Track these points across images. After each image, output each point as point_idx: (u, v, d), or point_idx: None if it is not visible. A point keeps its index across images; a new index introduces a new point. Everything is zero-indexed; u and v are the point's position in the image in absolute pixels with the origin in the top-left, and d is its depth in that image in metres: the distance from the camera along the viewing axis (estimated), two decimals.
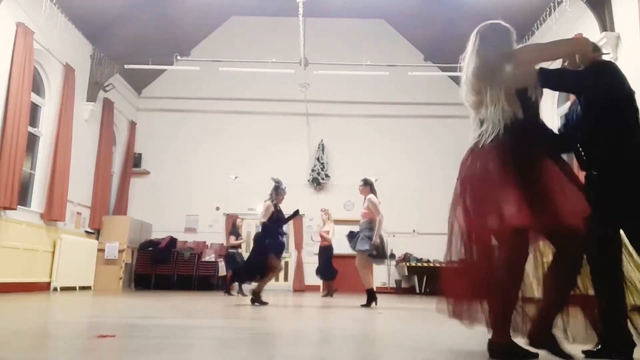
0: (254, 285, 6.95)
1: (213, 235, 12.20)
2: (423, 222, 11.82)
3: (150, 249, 11.10)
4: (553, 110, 9.18)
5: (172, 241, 11.29)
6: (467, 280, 2.34)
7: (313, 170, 12.70)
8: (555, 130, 2.62)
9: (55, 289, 8.53)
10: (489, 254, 2.28)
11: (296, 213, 6.78)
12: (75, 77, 9.55)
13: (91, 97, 10.32)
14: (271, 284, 7.93)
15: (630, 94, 2.43)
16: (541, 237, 2.32)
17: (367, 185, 6.82)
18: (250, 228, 12.04)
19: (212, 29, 13.21)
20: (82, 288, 9.40)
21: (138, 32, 10.80)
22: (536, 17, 9.16)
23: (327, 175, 12.69)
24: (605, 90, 2.42)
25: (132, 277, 10.96)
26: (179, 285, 10.80)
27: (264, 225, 6.49)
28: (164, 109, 12.96)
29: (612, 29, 7.27)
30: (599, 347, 2.31)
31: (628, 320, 2.33)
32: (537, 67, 2.41)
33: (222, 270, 10.55)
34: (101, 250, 10.18)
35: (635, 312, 2.38)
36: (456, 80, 10.43)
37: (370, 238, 6.43)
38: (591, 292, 2.35)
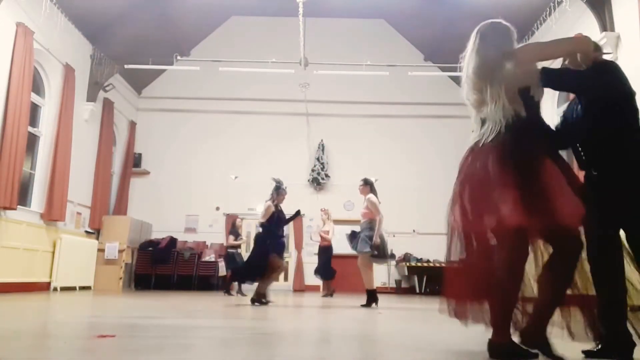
0: (255, 285, 6.94)
1: (213, 235, 12.20)
2: (423, 222, 11.82)
3: (150, 249, 11.10)
4: (553, 109, 9.16)
5: (172, 241, 11.29)
6: (467, 280, 2.35)
7: (313, 170, 12.70)
8: (553, 128, 2.62)
9: (55, 289, 8.53)
10: (488, 254, 2.28)
11: (298, 213, 6.77)
12: (75, 77, 9.55)
13: (91, 97, 10.32)
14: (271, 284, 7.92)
15: (630, 94, 2.43)
16: (539, 237, 2.31)
17: (367, 185, 6.82)
18: (250, 228, 12.04)
19: (212, 29, 13.21)
20: (82, 288, 9.39)
21: (138, 32, 10.80)
22: (536, 17, 9.17)
23: (327, 175, 12.69)
24: (606, 90, 2.41)
25: (132, 277, 10.96)
26: (179, 285, 10.80)
27: (263, 225, 6.48)
28: (164, 109, 12.96)
29: (612, 29, 7.28)
30: (599, 347, 2.31)
31: (628, 321, 2.33)
32: (539, 66, 2.40)
33: (222, 270, 10.55)
34: (101, 250, 10.19)
35: (635, 312, 2.38)
36: (456, 80, 10.43)
37: (370, 238, 6.44)
38: (591, 292, 2.35)
